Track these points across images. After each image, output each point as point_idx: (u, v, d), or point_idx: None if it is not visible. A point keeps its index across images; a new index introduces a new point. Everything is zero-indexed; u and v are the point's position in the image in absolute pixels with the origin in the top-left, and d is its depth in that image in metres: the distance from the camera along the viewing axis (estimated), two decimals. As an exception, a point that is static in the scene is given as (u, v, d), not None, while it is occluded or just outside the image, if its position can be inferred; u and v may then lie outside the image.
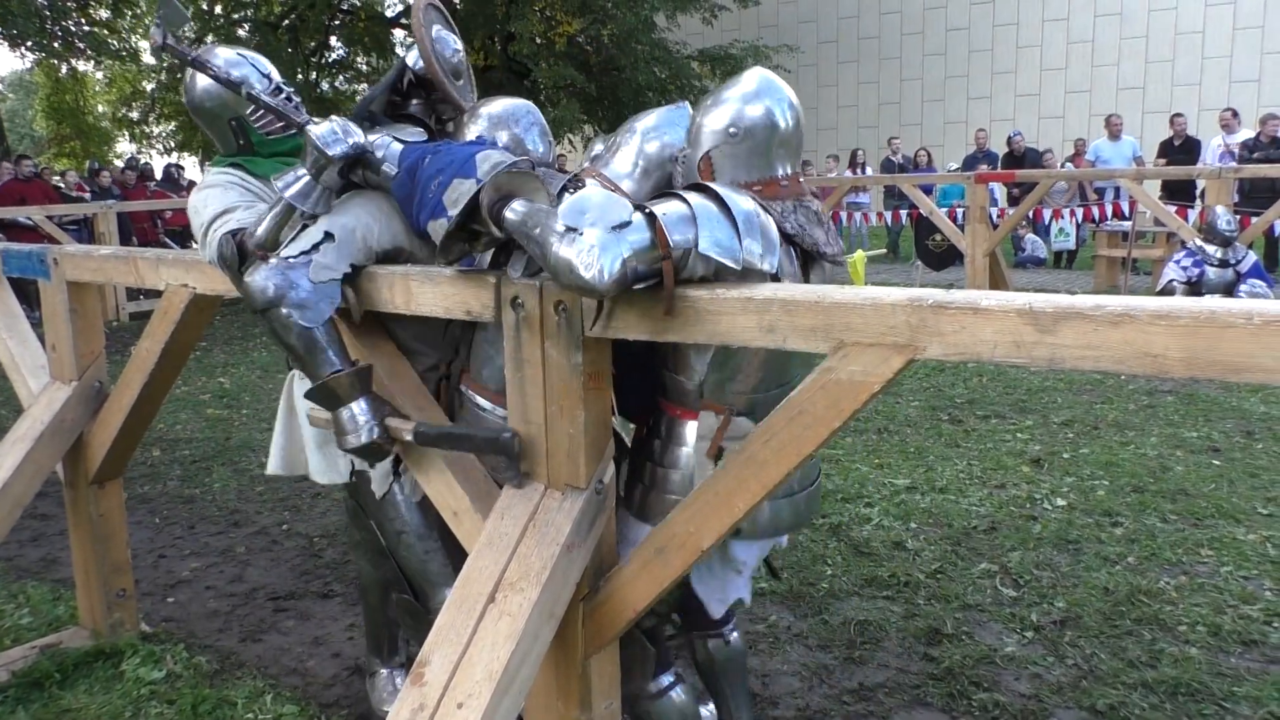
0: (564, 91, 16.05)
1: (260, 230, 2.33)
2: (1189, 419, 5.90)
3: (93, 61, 20.71)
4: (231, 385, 7.98)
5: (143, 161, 17.41)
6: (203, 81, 2.69)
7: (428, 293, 2.22)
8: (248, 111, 2.67)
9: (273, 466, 2.94)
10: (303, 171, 2.32)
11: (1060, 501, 4.60)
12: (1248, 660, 3.17)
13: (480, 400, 2.41)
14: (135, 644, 3.39)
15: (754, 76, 2.15)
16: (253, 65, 2.72)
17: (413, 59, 2.63)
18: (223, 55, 2.73)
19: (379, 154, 2.31)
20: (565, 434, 2.06)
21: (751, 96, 2.10)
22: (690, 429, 2.18)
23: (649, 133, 2.24)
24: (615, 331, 1.98)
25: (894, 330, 1.63)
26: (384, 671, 3.13)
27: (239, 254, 2.38)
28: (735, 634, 2.59)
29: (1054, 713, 2.91)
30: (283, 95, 2.68)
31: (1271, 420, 5.75)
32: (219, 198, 2.57)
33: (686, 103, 2.34)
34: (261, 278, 2.23)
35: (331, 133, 2.30)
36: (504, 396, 2.27)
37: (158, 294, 3.12)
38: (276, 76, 2.76)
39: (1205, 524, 4.26)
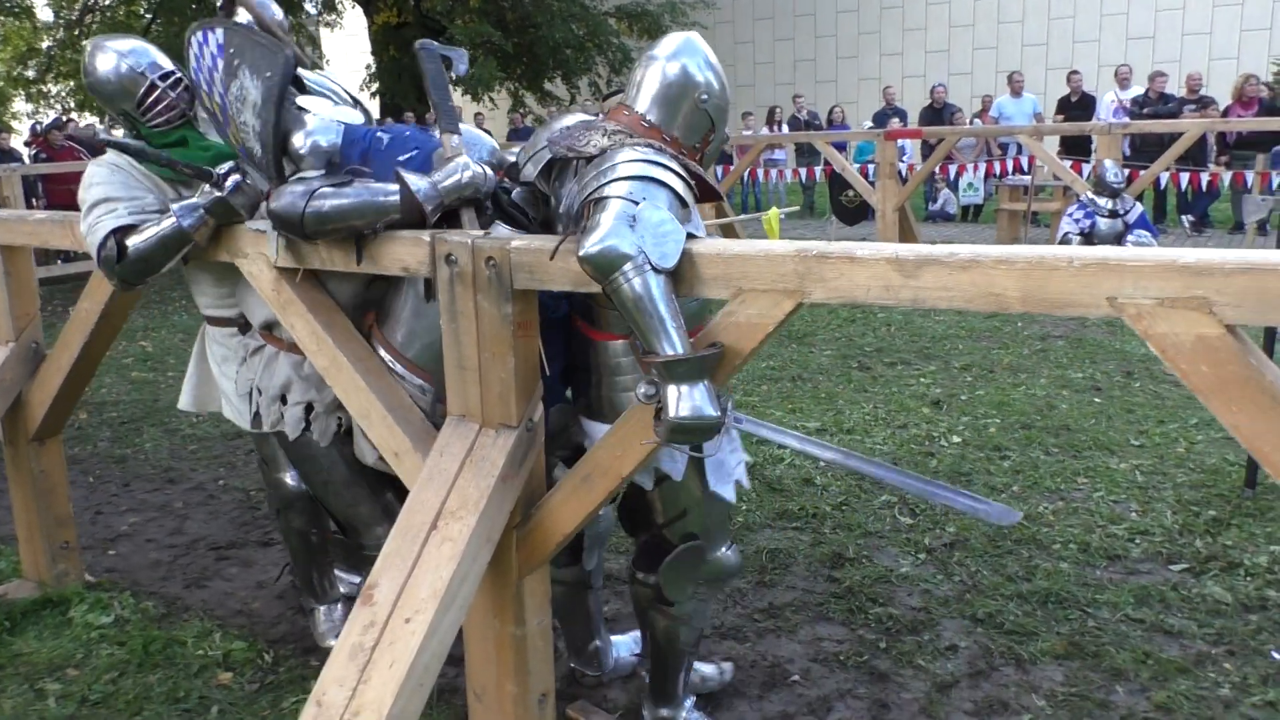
0: (481, 49, 15.94)
1: (144, 244, 2.66)
2: (1076, 361, 6.35)
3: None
4: (154, 348, 7.97)
5: (63, 119, 16.71)
6: (103, 66, 2.80)
7: (365, 251, 2.40)
8: (134, 106, 2.80)
9: (183, 403, 3.25)
10: (200, 209, 2.62)
11: (955, 439, 4.97)
12: (1111, 572, 3.55)
13: (386, 357, 2.59)
14: (81, 592, 3.54)
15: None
16: (138, 55, 2.82)
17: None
18: (116, 47, 2.82)
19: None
20: (498, 378, 2.28)
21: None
22: (617, 346, 2.41)
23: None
24: (541, 284, 2.19)
25: (784, 278, 1.89)
26: (322, 609, 3.34)
27: (118, 252, 2.67)
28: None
29: (940, 622, 3.26)
30: (176, 81, 2.83)
31: (1150, 361, 6.22)
32: (105, 179, 2.78)
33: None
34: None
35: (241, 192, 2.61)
36: (415, 365, 2.53)
37: (68, 257, 3.28)
38: (169, 66, 2.86)
39: (1083, 455, 4.67)
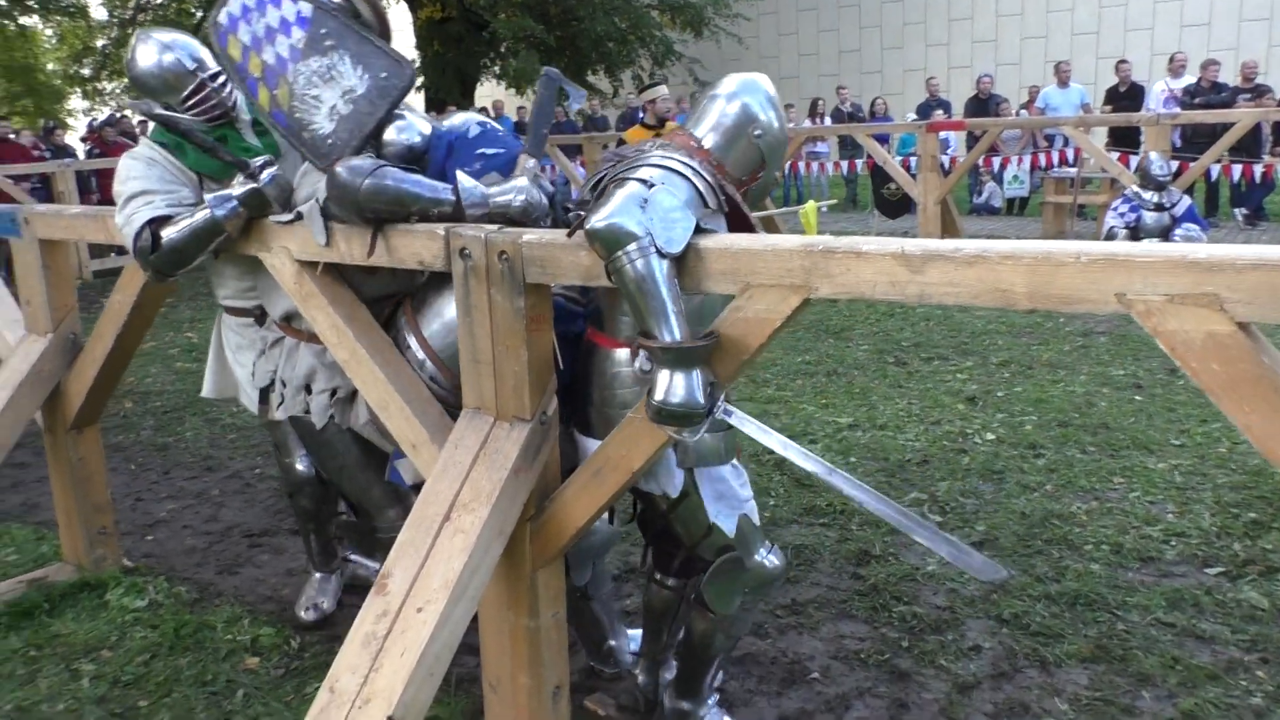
0: (523, 43, 16.02)
1: (177, 235, 2.70)
2: (1118, 358, 6.23)
3: (40, 17, 20.35)
4: (199, 339, 8.11)
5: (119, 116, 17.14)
6: (146, 58, 2.85)
7: (382, 244, 2.43)
8: (178, 101, 2.85)
9: (206, 390, 3.39)
10: (234, 200, 2.65)
11: (990, 436, 4.90)
12: (1143, 574, 3.48)
13: (412, 341, 2.62)
14: (118, 576, 3.63)
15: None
16: (186, 50, 2.87)
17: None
18: (161, 39, 2.86)
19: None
20: (511, 371, 2.29)
21: None
22: (621, 355, 2.40)
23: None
24: (553, 277, 2.20)
25: (790, 273, 1.87)
26: (317, 576, 3.43)
27: (153, 243, 2.71)
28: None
29: (964, 621, 3.22)
30: (225, 83, 2.86)
31: (1194, 358, 6.08)
32: (142, 173, 2.82)
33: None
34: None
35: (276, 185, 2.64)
36: (438, 355, 2.56)
37: (122, 250, 3.34)
38: (212, 63, 2.89)
39: (1121, 454, 4.58)
